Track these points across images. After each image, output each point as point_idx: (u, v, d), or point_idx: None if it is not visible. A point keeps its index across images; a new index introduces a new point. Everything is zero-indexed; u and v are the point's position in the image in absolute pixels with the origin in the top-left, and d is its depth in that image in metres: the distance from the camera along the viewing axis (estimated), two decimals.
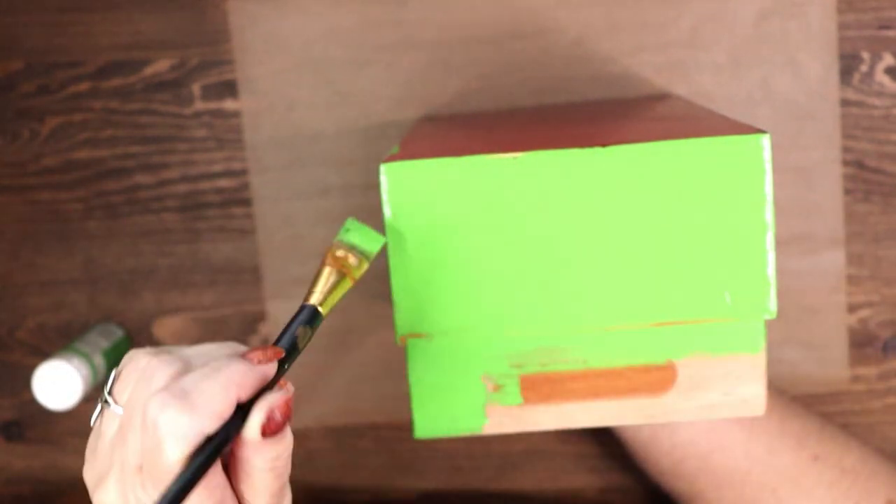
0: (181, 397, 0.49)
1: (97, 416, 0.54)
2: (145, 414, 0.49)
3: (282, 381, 0.52)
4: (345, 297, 0.55)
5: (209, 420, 0.49)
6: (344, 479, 0.91)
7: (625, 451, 0.89)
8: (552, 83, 0.84)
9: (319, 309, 0.55)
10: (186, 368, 0.52)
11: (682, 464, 0.79)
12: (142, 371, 0.52)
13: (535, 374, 0.62)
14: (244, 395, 0.50)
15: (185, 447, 0.49)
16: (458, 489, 0.91)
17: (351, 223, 0.58)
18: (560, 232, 0.59)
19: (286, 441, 0.51)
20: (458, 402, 0.62)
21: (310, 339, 0.54)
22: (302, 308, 0.55)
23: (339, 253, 0.57)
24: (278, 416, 0.51)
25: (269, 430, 0.50)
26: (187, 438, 0.49)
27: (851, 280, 0.86)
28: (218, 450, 0.50)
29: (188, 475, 0.49)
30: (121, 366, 0.54)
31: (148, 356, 0.53)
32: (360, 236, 0.58)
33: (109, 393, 0.53)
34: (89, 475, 0.54)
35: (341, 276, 0.56)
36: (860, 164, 0.84)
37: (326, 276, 0.56)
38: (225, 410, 0.50)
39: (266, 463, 0.51)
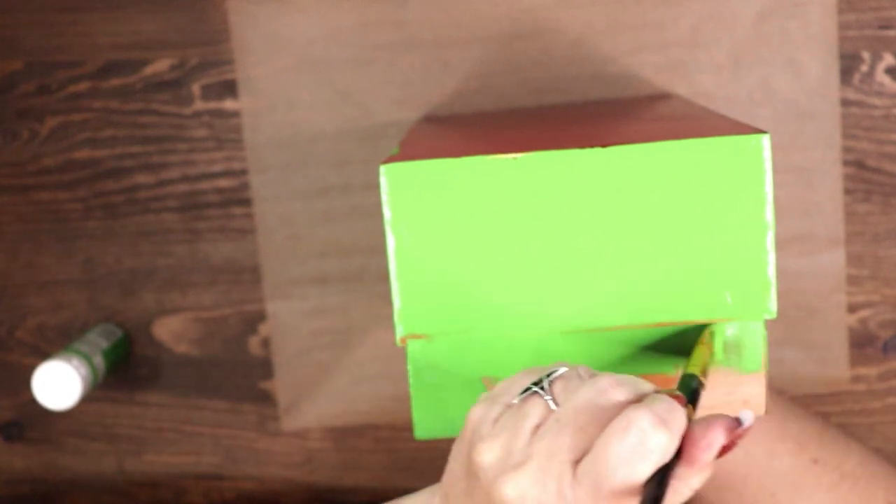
0: (665, 423, 0.50)
1: (521, 398, 0.54)
2: (627, 426, 0.50)
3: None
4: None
5: (674, 450, 0.51)
6: (344, 479, 0.91)
7: None
8: (552, 83, 0.84)
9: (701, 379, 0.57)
10: (638, 392, 0.53)
11: None
12: (595, 383, 0.53)
13: None
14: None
15: (653, 467, 0.50)
16: None
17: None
18: (560, 232, 0.59)
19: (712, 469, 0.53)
20: (458, 402, 0.62)
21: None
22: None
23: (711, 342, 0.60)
24: (736, 441, 0.52)
25: (723, 452, 0.52)
26: (659, 460, 0.50)
27: (851, 280, 0.86)
28: (668, 475, 0.51)
29: (655, 492, 0.50)
30: (559, 369, 0.55)
31: (592, 372, 0.55)
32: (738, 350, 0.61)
33: (548, 386, 0.54)
34: (494, 455, 0.54)
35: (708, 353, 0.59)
36: (860, 164, 0.84)
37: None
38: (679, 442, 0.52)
39: (698, 483, 0.52)
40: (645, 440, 0.50)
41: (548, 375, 0.54)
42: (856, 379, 0.87)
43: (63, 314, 0.89)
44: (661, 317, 0.60)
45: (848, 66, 0.83)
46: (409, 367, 0.62)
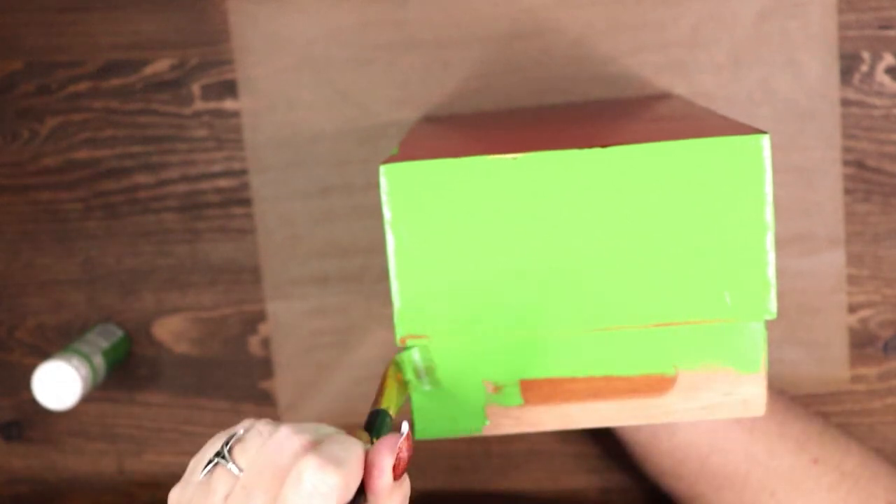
0: (336, 462, 0.51)
1: (205, 473, 0.54)
2: (299, 477, 0.51)
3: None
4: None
5: (355, 483, 0.51)
6: None
7: (625, 452, 0.89)
8: (552, 83, 0.84)
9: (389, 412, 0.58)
10: (318, 437, 0.53)
11: (682, 465, 0.79)
12: (271, 437, 0.53)
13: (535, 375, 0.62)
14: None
15: None
16: (458, 489, 0.91)
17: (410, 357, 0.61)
18: (560, 233, 0.59)
19: (408, 483, 0.54)
20: (458, 403, 0.62)
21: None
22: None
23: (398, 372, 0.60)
24: (405, 453, 0.53)
25: (398, 471, 0.52)
26: (337, 500, 0.51)
27: (852, 280, 0.86)
28: None
29: None
30: (239, 430, 0.55)
31: (272, 425, 0.54)
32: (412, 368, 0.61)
33: (229, 453, 0.54)
34: None
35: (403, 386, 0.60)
36: (860, 164, 0.84)
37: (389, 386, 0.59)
38: (360, 475, 0.52)
39: None
40: (317, 484, 0.50)
41: (228, 440, 0.54)
42: (856, 379, 0.87)
43: (63, 314, 0.89)
44: (660, 317, 0.60)
45: (848, 66, 0.83)
46: (408, 368, 0.62)
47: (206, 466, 0.54)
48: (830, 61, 0.83)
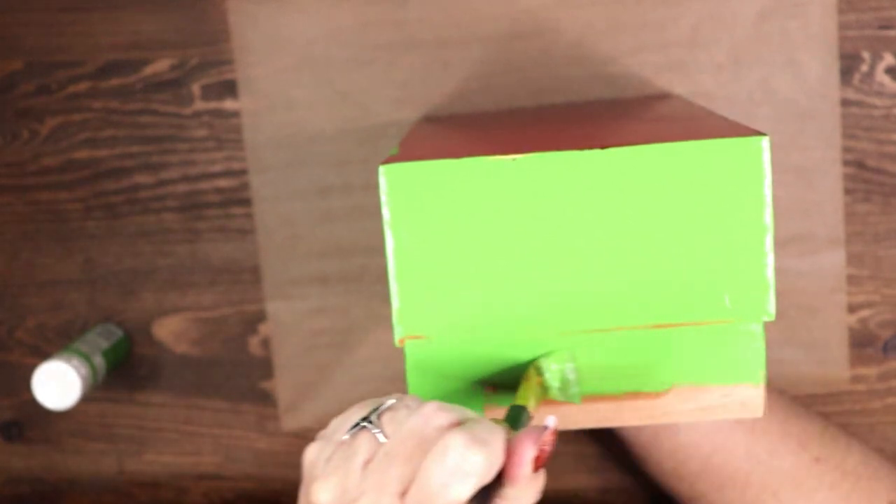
0: (481, 443, 0.52)
1: (350, 433, 0.55)
2: (444, 450, 0.51)
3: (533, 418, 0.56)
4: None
5: (497, 467, 0.52)
6: None
7: (626, 452, 0.89)
8: (552, 83, 0.84)
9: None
10: (464, 418, 0.54)
11: (684, 465, 0.79)
12: (416, 410, 0.54)
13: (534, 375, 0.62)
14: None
15: (472, 488, 0.51)
16: None
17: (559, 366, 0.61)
18: (559, 234, 0.59)
19: (543, 478, 0.54)
20: (457, 403, 0.62)
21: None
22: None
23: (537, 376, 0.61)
24: (548, 447, 0.53)
25: (538, 463, 0.53)
26: (478, 480, 0.52)
27: (851, 280, 0.86)
28: (491, 495, 0.53)
29: None
30: (388, 400, 0.56)
31: (419, 400, 0.56)
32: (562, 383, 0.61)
33: (377, 419, 0.55)
34: (329, 494, 0.55)
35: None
36: (860, 164, 0.84)
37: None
38: (502, 462, 0.53)
39: (528, 501, 0.54)
40: (461, 462, 0.51)
41: (377, 408, 0.55)
42: (856, 379, 0.87)
43: (63, 314, 0.89)
44: (659, 318, 0.60)
45: (848, 66, 0.83)
46: (408, 368, 0.62)
47: (352, 428, 0.55)
48: (830, 61, 0.83)
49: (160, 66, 0.85)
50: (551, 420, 0.54)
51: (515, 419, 0.56)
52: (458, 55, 0.84)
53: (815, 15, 0.82)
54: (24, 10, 0.85)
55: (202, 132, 0.86)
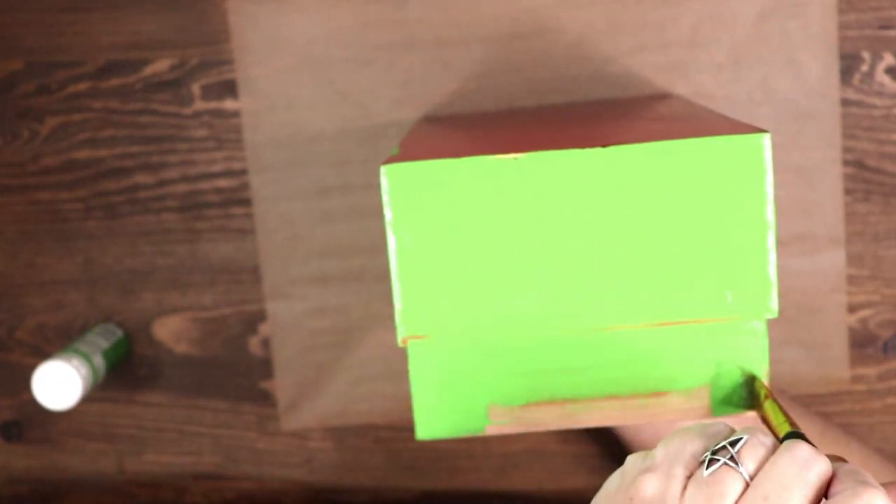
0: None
1: (709, 472, 0.50)
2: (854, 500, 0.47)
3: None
4: None
5: None
6: (344, 480, 0.91)
7: (625, 452, 0.89)
8: (552, 83, 0.84)
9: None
10: (835, 468, 0.50)
11: None
12: (789, 451, 0.50)
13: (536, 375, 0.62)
14: None
15: None
16: (458, 489, 0.91)
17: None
18: (561, 233, 0.59)
19: None
20: (459, 403, 0.62)
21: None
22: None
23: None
24: None
25: None
26: None
27: (852, 280, 0.86)
28: None
29: None
30: (745, 437, 0.51)
31: (772, 438, 0.52)
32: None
33: (736, 454, 0.50)
34: None
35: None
36: (860, 164, 0.84)
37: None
38: None
39: None
40: None
41: (731, 442, 0.51)
42: (856, 379, 0.87)
43: (63, 314, 0.89)
44: (661, 317, 0.60)
45: (848, 66, 0.83)
46: (410, 368, 0.62)
47: (709, 464, 0.50)
48: (830, 61, 0.83)
49: (160, 66, 0.85)
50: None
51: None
52: (458, 55, 0.84)
53: (815, 15, 0.82)
54: (24, 10, 0.85)
55: (202, 132, 0.86)
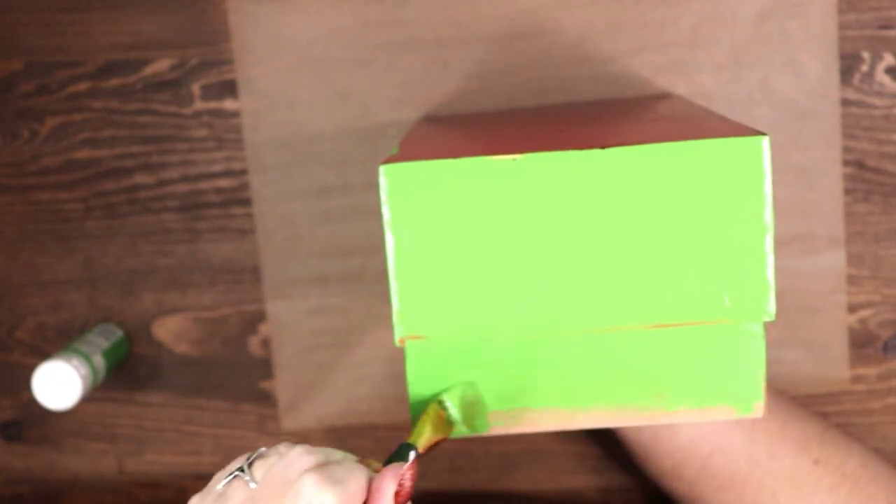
0: (334, 482, 0.56)
1: (224, 484, 0.59)
2: (299, 491, 0.56)
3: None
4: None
5: None
6: None
7: (625, 452, 0.89)
8: (552, 83, 0.84)
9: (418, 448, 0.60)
10: (328, 460, 0.58)
11: (683, 466, 0.79)
12: (285, 456, 0.58)
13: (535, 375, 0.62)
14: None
15: None
16: (458, 489, 0.91)
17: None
18: (559, 234, 0.59)
19: None
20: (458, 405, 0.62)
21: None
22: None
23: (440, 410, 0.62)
24: (408, 481, 0.56)
25: (400, 498, 0.56)
26: None
27: (851, 280, 0.86)
28: None
29: None
30: (263, 449, 0.60)
31: (291, 445, 0.59)
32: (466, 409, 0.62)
33: (249, 467, 0.59)
34: None
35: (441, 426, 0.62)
36: (860, 164, 0.84)
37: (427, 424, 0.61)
38: (362, 499, 0.56)
39: None
40: (313, 501, 0.55)
41: (250, 457, 0.59)
42: (856, 379, 0.87)
43: (63, 314, 0.89)
44: (659, 318, 0.60)
45: (848, 66, 0.83)
46: (408, 368, 0.62)
47: (226, 478, 0.59)
48: (830, 61, 0.83)
49: (160, 66, 0.85)
50: (411, 455, 0.57)
51: (402, 457, 0.58)
52: (458, 55, 0.84)
53: (815, 15, 0.82)
54: (24, 10, 0.85)
55: (202, 132, 0.86)
